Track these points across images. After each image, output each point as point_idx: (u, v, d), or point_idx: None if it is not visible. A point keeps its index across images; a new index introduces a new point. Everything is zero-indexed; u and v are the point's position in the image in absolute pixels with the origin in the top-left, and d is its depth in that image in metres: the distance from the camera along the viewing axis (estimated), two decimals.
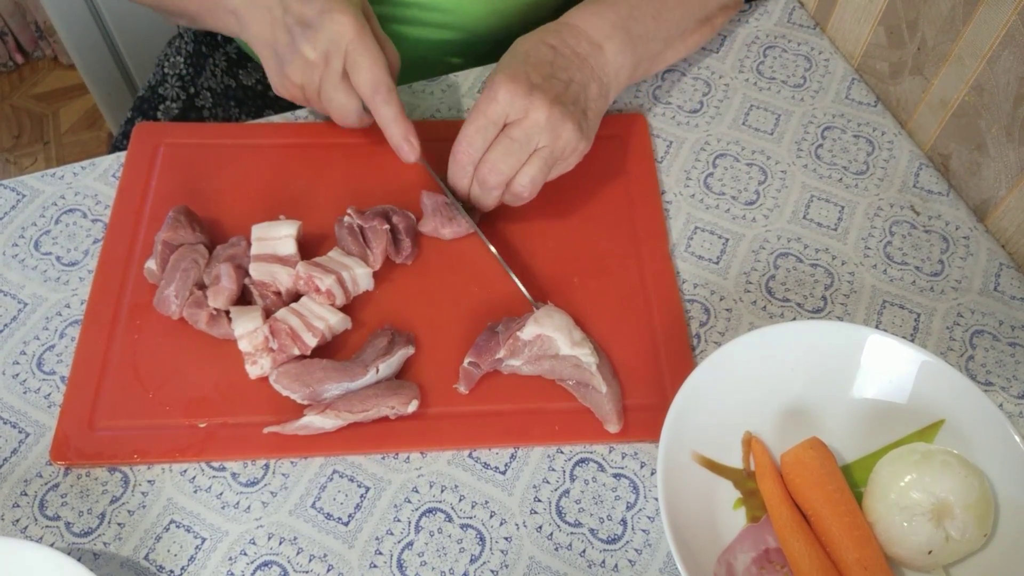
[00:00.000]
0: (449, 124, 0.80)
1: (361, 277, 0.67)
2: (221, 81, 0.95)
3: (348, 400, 0.62)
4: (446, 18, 0.84)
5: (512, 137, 0.64)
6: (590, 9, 0.71)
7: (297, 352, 0.64)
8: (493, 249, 0.69)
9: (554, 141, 0.65)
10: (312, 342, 0.64)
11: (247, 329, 0.63)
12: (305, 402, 0.63)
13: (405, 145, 0.68)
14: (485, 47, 0.89)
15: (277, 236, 0.68)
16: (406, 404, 0.62)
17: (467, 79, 0.84)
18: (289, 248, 0.68)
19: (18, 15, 2.00)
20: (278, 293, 0.67)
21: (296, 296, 0.67)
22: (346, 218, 0.69)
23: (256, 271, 0.67)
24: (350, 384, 0.62)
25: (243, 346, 0.63)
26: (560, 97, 0.65)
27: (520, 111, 0.64)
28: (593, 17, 0.71)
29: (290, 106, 0.98)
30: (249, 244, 0.68)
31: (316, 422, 0.61)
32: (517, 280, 0.69)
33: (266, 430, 0.62)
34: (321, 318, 0.64)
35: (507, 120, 0.65)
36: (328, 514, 0.61)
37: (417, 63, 0.90)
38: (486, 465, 0.63)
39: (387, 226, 0.69)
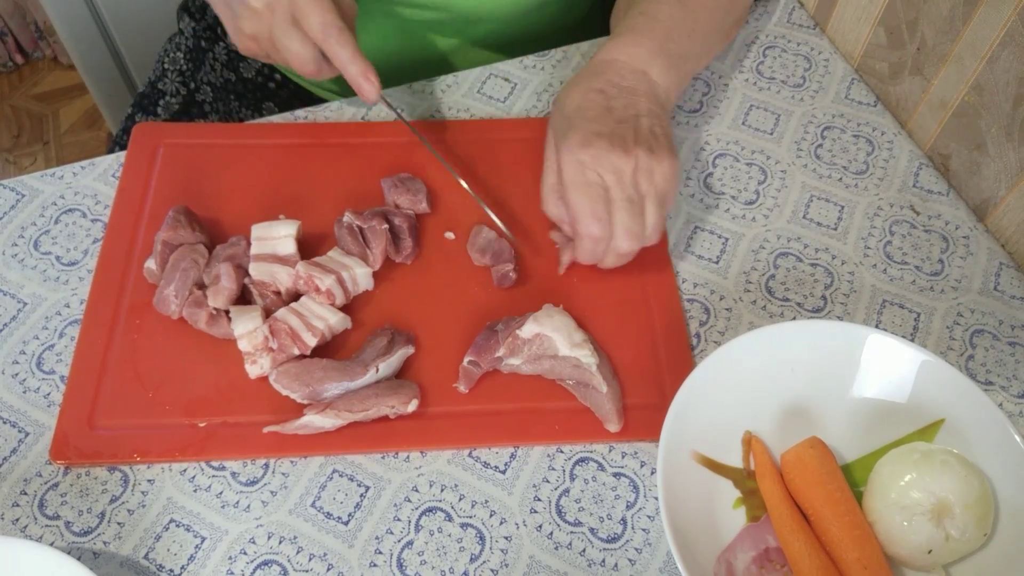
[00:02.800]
0: (449, 124, 0.80)
1: (361, 277, 0.67)
2: (221, 75, 0.96)
3: (348, 400, 0.62)
4: (440, 0, 0.83)
5: (627, 199, 0.64)
6: (627, 39, 0.71)
7: (297, 352, 0.64)
8: (464, 184, 0.70)
9: (652, 181, 0.65)
10: (312, 342, 0.64)
11: (247, 329, 0.63)
12: (305, 401, 0.63)
13: (365, 83, 0.67)
14: (477, 33, 0.89)
15: (277, 236, 0.68)
16: (406, 403, 0.62)
17: (467, 79, 0.84)
18: (289, 248, 0.68)
19: (18, 15, 2.00)
20: (278, 293, 0.67)
21: (296, 296, 0.67)
22: (345, 218, 0.69)
23: (256, 271, 0.67)
24: (350, 384, 0.62)
25: (243, 346, 0.63)
26: (636, 138, 0.65)
27: (612, 170, 0.64)
28: (631, 47, 0.71)
29: (289, 99, 0.98)
30: (249, 244, 0.68)
31: (316, 421, 0.61)
32: (494, 215, 0.69)
33: (266, 430, 0.62)
34: (321, 318, 0.64)
35: (604, 183, 0.64)
36: (328, 513, 0.61)
37: (414, 48, 0.89)
38: (486, 464, 0.63)
39: (386, 226, 0.69)
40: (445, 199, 0.75)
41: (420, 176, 0.74)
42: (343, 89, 0.83)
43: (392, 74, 0.86)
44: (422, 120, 0.81)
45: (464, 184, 0.70)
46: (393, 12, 0.86)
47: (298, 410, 0.63)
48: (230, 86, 0.96)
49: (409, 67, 0.90)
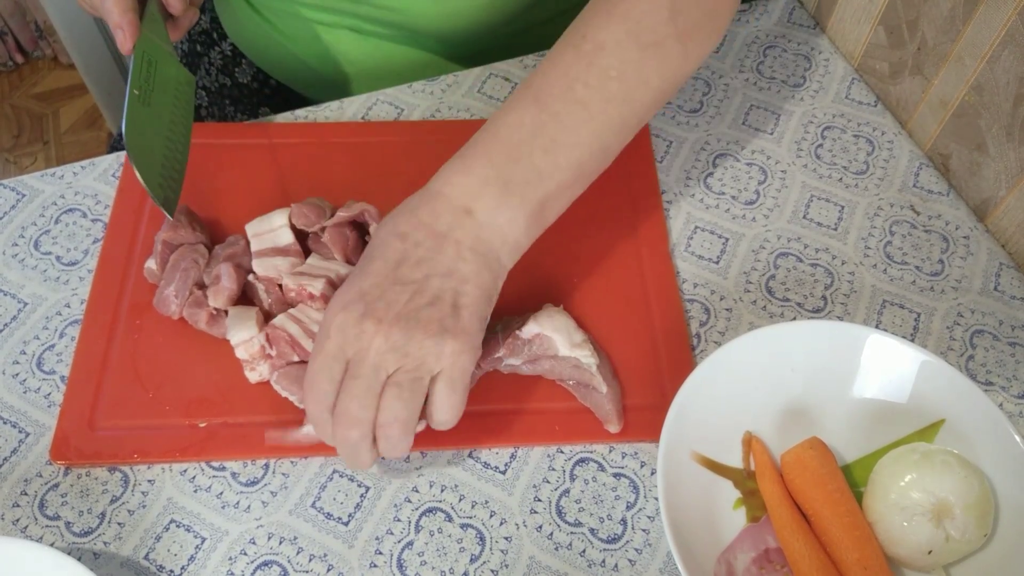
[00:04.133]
0: (449, 124, 0.80)
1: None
2: (216, 80, 0.96)
3: None
4: (399, 18, 0.83)
5: (355, 376, 0.54)
6: (458, 166, 0.58)
7: (297, 359, 0.64)
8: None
9: (403, 360, 0.54)
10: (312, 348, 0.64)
11: (242, 338, 0.63)
12: (302, 406, 0.63)
13: (118, 32, 0.66)
14: (446, 47, 0.88)
15: (273, 228, 0.68)
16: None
17: (467, 79, 0.84)
18: (287, 238, 0.68)
19: (18, 15, 2.00)
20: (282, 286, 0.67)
21: (290, 305, 0.67)
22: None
23: (260, 267, 0.67)
24: None
25: (239, 354, 0.63)
26: (404, 309, 0.54)
27: (353, 339, 0.54)
28: (459, 176, 0.58)
29: (284, 104, 0.98)
30: (247, 243, 0.68)
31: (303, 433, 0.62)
32: None
33: (268, 440, 0.62)
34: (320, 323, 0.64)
35: (347, 356, 0.54)
36: (328, 514, 0.61)
37: (385, 60, 0.89)
38: (486, 465, 0.63)
39: (346, 229, 0.68)
40: None
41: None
42: (338, 93, 0.83)
43: (369, 83, 0.87)
44: (422, 120, 0.81)
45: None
46: (350, 26, 0.87)
47: (299, 411, 0.63)
48: (225, 91, 0.96)
49: (383, 77, 0.90)
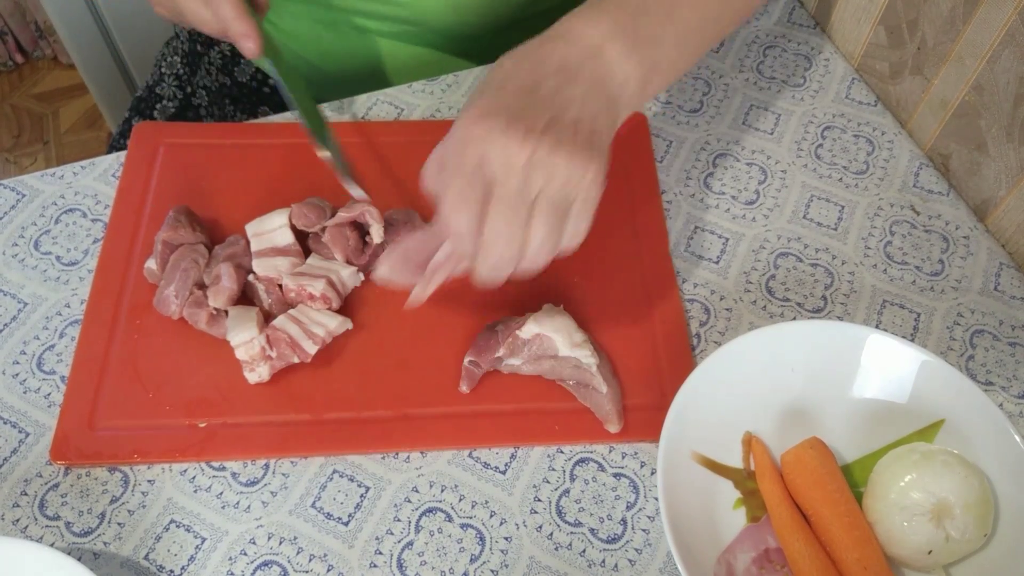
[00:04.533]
0: (449, 124, 0.79)
1: (348, 277, 0.67)
2: (216, 79, 0.96)
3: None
4: (408, 13, 0.83)
5: (508, 198, 0.52)
6: (589, 10, 0.59)
7: (297, 360, 0.64)
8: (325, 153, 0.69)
9: (549, 182, 0.52)
10: (312, 350, 0.64)
11: (243, 339, 0.63)
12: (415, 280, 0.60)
13: (245, 42, 0.66)
14: (452, 43, 0.89)
15: (272, 228, 0.68)
16: None
17: (467, 79, 0.84)
18: (287, 238, 0.68)
19: (18, 15, 2.00)
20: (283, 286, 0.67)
21: (290, 306, 0.67)
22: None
23: (260, 267, 0.67)
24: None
25: (239, 355, 0.63)
26: (549, 126, 0.53)
27: (500, 156, 0.52)
28: (591, 19, 0.58)
29: (284, 104, 0.98)
30: (247, 243, 0.68)
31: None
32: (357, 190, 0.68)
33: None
34: (320, 324, 0.64)
35: (489, 172, 0.52)
36: (328, 514, 0.61)
37: (388, 58, 0.90)
38: (486, 465, 0.63)
39: (348, 230, 0.68)
40: None
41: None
42: (340, 93, 0.83)
43: (368, 82, 0.87)
44: (422, 120, 0.81)
45: (327, 156, 0.68)
46: (356, 24, 0.87)
47: (300, 411, 0.63)
48: (225, 90, 0.96)
49: (384, 75, 0.90)
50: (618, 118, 0.58)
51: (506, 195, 0.52)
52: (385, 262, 0.59)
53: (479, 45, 0.89)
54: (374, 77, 0.90)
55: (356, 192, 0.68)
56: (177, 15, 0.68)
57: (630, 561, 0.59)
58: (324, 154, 0.68)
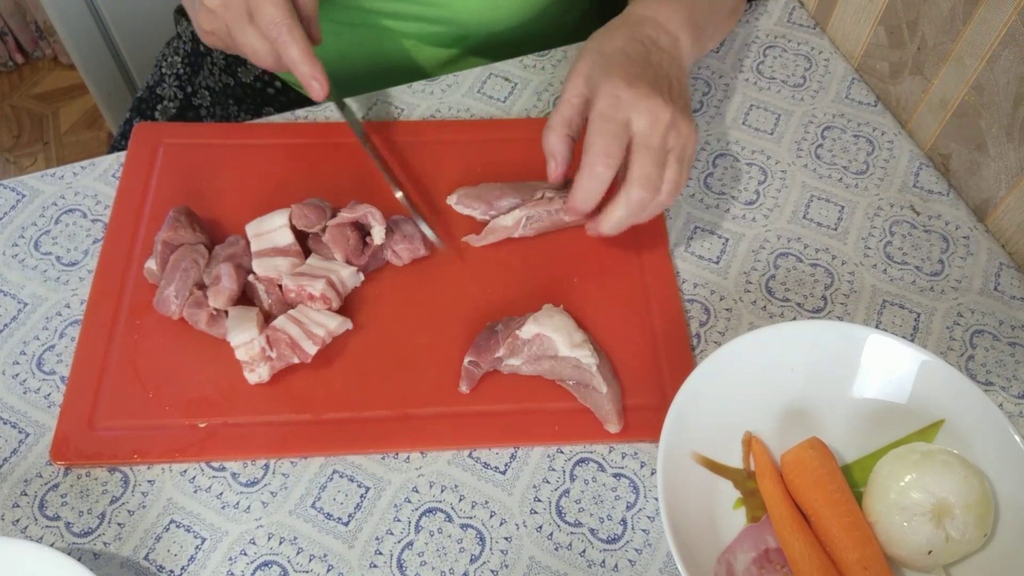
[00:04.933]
0: (449, 124, 0.80)
1: (348, 277, 0.67)
2: (219, 80, 0.95)
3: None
4: (442, 13, 0.84)
5: (653, 147, 0.63)
6: (661, 2, 0.71)
7: (297, 360, 0.64)
8: (401, 196, 0.71)
9: (679, 139, 0.64)
10: (312, 350, 0.64)
11: (243, 340, 0.63)
12: (485, 217, 0.71)
13: (313, 84, 0.67)
14: (477, 41, 0.89)
15: (272, 228, 0.68)
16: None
17: (467, 79, 0.84)
18: (287, 238, 0.68)
19: (18, 15, 2.00)
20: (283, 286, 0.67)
21: (290, 306, 0.67)
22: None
23: (260, 267, 0.67)
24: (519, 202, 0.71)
25: (240, 355, 0.63)
26: (672, 94, 0.65)
27: (649, 114, 0.62)
28: (667, 10, 0.70)
29: (289, 105, 0.98)
30: (247, 243, 0.68)
31: (503, 221, 0.70)
32: (426, 228, 0.70)
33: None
34: (320, 324, 0.64)
35: (630, 124, 0.63)
36: (328, 514, 0.61)
37: (407, 58, 0.90)
38: (486, 465, 0.63)
39: (349, 230, 0.68)
40: (441, 203, 0.75)
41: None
42: (348, 92, 0.83)
43: (381, 82, 0.87)
44: (422, 120, 0.81)
45: (400, 196, 0.71)
46: (381, 24, 0.87)
47: (299, 410, 0.63)
48: (228, 91, 0.96)
49: (399, 75, 0.90)
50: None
51: (652, 145, 0.63)
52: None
53: (500, 43, 0.89)
54: (389, 76, 0.90)
55: (429, 233, 0.70)
56: (231, 47, 0.69)
57: (630, 561, 0.59)
58: (399, 195, 0.71)
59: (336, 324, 0.65)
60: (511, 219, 0.71)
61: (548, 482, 0.62)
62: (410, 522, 0.61)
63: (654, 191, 0.63)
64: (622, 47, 0.66)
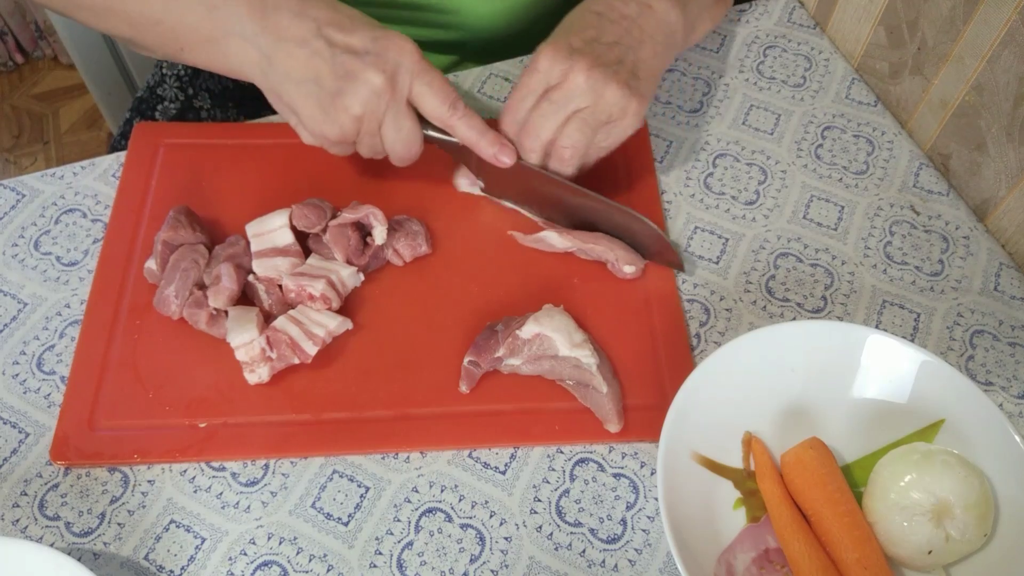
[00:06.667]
0: None
1: (348, 277, 0.67)
2: (220, 82, 0.95)
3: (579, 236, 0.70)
4: (451, 19, 0.84)
5: (550, 99, 0.64)
6: None
7: (297, 361, 0.64)
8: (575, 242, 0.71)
9: (596, 102, 0.64)
10: (312, 350, 0.63)
11: (243, 340, 0.63)
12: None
13: (503, 150, 0.67)
14: (483, 45, 0.89)
15: (272, 228, 0.68)
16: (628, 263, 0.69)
17: (467, 79, 0.84)
18: (287, 238, 0.68)
19: (18, 15, 2.00)
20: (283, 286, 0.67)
21: (290, 306, 0.67)
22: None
23: (260, 267, 0.67)
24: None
25: (240, 356, 0.63)
26: (602, 58, 0.64)
27: (559, 76, 0.64)
28: None
29: None
30: (247, 243, 0.68)
31: (551, 238, 0.70)
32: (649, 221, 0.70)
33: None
34: (320, 324, 0.64)
35: (548, 87, 0.65)
36: (328, 514, 0.61)
37: None
38: (486, 465, 0.63)
39: (350, 230, 0.68)
40: (441, 203, 0.75)
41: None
42: None
43: None
44: None
45: (575, 242, 0.70)
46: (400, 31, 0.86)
47: (299, 410, 0.63)
48: (228, 93, 0.96)
49: None
50: (667, 62, 0.72)
51: (552, 99, 0.64)
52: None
53: (499, 47, 0.89)
54: None
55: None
56: (363, 137, 0.65)
57: (630, 561, 0.59)
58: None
59: (336, 324, 0.65)
60: (564, 242, 0.70)
61: (548, 482, 0.62)
62: (410, 522, 0.61)
63: (535, 139, 0.66)
64: (573, 19, 0.68)
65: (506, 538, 0.60)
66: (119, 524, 0.60)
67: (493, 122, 0.79)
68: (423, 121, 0.66)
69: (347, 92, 0.61)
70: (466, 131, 0.66)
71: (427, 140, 0.67)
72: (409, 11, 0.83)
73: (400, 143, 0.65)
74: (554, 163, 0.67)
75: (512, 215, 0.74)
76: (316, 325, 0.64)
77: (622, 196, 0.75)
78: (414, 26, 0.85)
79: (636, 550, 0.60)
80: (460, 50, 0.89)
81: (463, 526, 0.61)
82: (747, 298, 0.71)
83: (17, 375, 0.66)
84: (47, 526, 0.60)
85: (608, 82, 0.64)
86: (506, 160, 0.67)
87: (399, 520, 0.61)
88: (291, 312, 0.65)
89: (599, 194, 0.69)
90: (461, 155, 0.70)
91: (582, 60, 0.64)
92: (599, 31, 0.66)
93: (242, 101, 0.96)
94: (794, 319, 0.70)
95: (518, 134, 0.67)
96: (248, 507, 0.61)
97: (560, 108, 0.64)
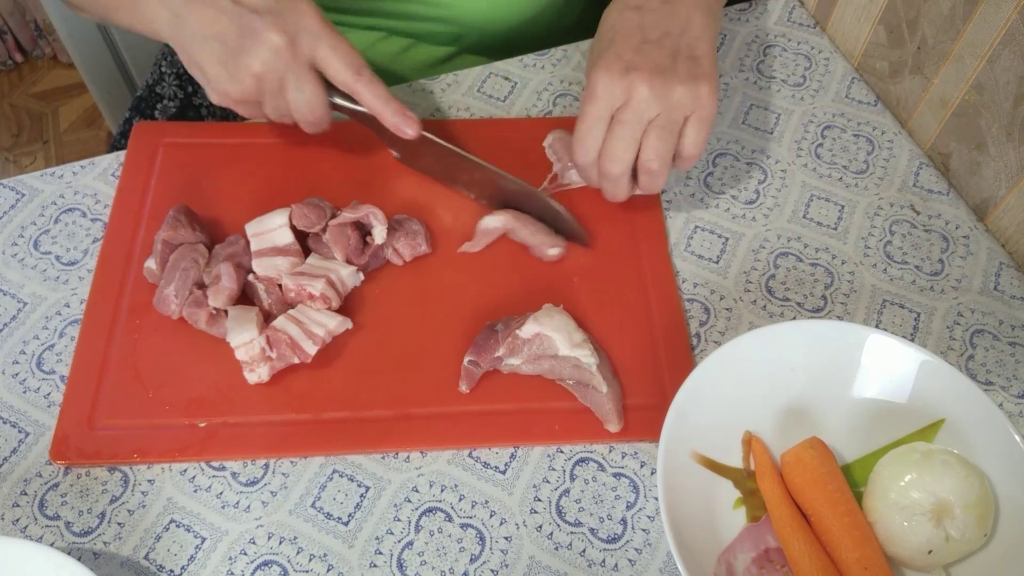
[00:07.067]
0: (450, 123, 0.80)
1: (347, 277, 0.67)
2: None
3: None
4: (443, 12, 0.83)
5: (621, 121, 0.63)
6: None
7: (297, 360, 0.64)
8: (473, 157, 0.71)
9: (666, 107, 0.63)
10: (312, 350, 0.63)
11: (243, 340, 0.63)
12: (557, 171, 0.74)
13: (406, 120, 0.66)
14: (479, 38, 0.89)
15: (272, 228, 0.68)
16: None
17: (467, 78, 0.84)
18: (286, 237, 0.68)
19: (17, 14, 2.00)
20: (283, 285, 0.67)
21: (290, 305, 0.67)
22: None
23: (260, 267, 0.67)
24: None
25: (239, 355, 0.63)
26: (656, 60, 0.63)
27: (621, 95, 0.63)
28: None
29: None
30: (247, 243, 0.68)
31: (491, 223, 0.70)
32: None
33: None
34: (320, 324, 0.64)
35: (613, 111, 0.64)
36: (328, 514, 0.61)
37: (404, 57, 0.89)
38: (486, 465, 0.63)
39: (350, 229, 0.68)
40: (441, 205, 0.75)
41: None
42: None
43: (392, 81, 0.87)
44: (423, 119, 0.80)
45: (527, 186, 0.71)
46: (379, 24, 0.86)
47: (299, 409, 0.63)
48: None
49: (400, 76, 0.90)
50: (719, 25, 0.70)
51: (624, 121, 0.63)
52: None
53: (497, 42, 0.89)
54: (387, 76, 0.90)
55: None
56: (266, 100, 0.66)
57: (630, 561, 0.59)
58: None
59: (336, 324, 0.65)
60: (498, 221, 0.71)
61: (548, 482, 0.62)
62: (410, 522, 0.61)
63: (620, 164, 0.64)
64: (614, 24, 0.67)
65: (506, 538, 0.60)
66: (119, 524, 0.60)
67: (485, 121, 0.79)
68: (334, 90, 0.66)
69: (248, 50, 0.62)
70: (371, 98, 0.65)
71: (335, 107, 0.68)
72: (404, 3, 0.83)
73: (304, 105, 0.65)
74: (643, 179, 0.66)
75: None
76: (316, 325, 0.64)
77: None
78: (407, 19, 0.85)
79: (636, 550, 0.60)
80: (456, 43, 0.89)
81: (463, 526, 0.61)
82: (747, 297, 0.71)
83: (17, 375, 0.66)
84: (47, 526, 0.60)
85: (671, 84, 0.62)
86: (409, 132, 0.67)
87: (399, 520, 0.61)
88: (291, 312, 0.65)
89: (507, 172, 0.70)
90: (373, 125, 0.69)
91: (638, 73, 0.62)
92: (643, 31, 0.65)
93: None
94: (794, 319, 0.70)
95: (598, 164, 0.65)
96: (248, 507, 0.61)
97: (634, 127, 0.63)
